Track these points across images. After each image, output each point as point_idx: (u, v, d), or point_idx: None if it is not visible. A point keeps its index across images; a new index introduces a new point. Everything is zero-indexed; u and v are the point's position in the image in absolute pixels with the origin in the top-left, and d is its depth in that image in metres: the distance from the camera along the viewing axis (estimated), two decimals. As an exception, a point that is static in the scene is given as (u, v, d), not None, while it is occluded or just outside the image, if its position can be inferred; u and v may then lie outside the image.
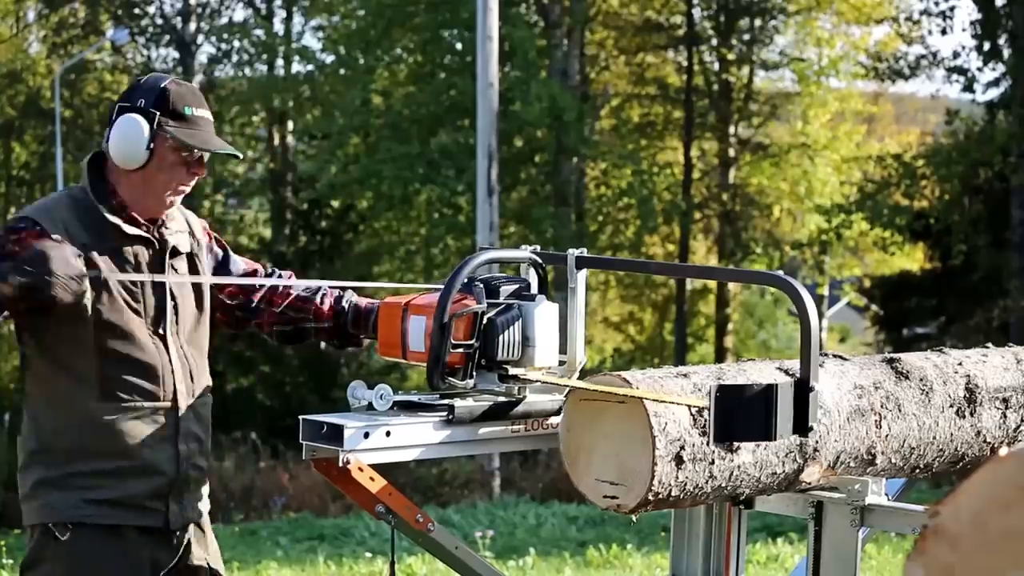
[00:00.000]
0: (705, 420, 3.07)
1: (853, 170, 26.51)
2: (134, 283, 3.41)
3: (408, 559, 8.65)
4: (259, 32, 29.87)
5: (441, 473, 16.43)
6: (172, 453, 3.46)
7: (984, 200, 22.13)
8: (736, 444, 3.12)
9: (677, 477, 3.07)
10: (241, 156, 3.61)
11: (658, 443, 3.02)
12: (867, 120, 31.39)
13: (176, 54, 29.95)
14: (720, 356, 26.22)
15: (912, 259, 27.57)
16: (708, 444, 3.08)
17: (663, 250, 28.65)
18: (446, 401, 3.26)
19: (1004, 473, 1.69)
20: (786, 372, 3.31)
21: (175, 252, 3.53)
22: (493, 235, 16.99)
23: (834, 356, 3.48)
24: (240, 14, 31.57)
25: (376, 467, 3.16)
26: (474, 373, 3.27)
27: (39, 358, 3.44)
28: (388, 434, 3.10)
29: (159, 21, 30.41)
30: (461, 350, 3.24)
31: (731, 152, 27.43)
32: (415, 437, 3.17)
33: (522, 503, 13.51)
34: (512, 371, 3.31)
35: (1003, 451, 1.68)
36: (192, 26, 29.86)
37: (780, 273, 3.16)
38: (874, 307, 25.61)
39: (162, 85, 3.45)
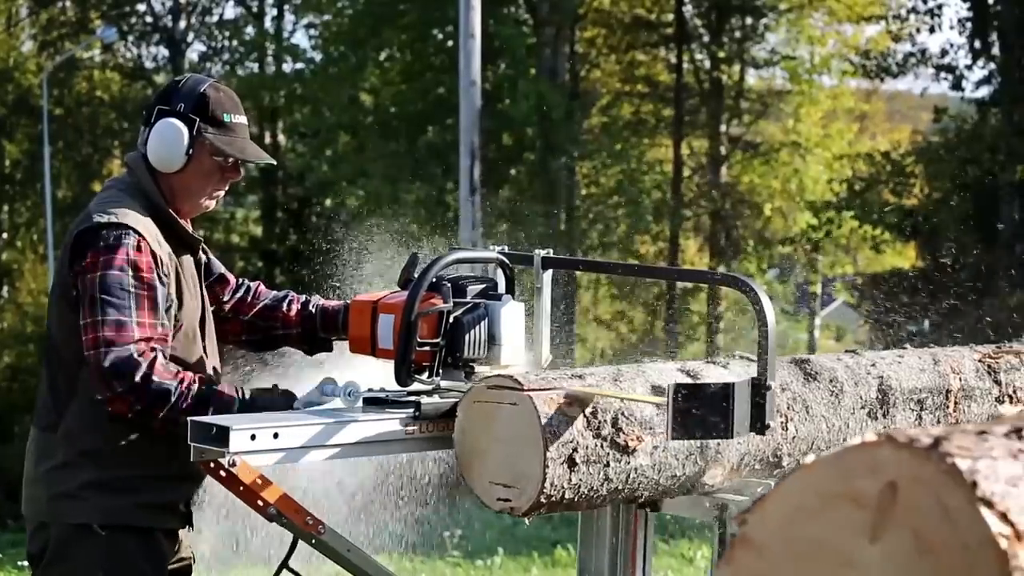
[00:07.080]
0: (600, 422, 3.04)
1: (845, 168, 26.42)
2: (190, 292, 3.45)
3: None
4: (249, 30, 29.88)
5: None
6: None
7: (974, 198, 22.05)
8: (632, 447, 3.08)
9: (570, 479, 3.03)
10: (275, 163, 3.62)
11: (549, 446, 2.98)
12: (859, 118, 31.30)
13: (166, 52, 29.92)
14: (712, 354, 26.08)
15: (904, 257, 27.49)
16: (602, 447, 3.04)
17: (654, 248, 28.56)
18: (413, 398, 3.27)
19: (809, 481, 1.65)
20: (687, 373, 3.27)
21: (201, 255, 3.59)
22: (476, 233, 16.93)
23: (740, 357, 3.44)
24: (230, 12, 31.57)
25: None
26: (440, 371, 3.32)
27: None
28: (276, 436, 3.05)
29: (149, 19, 30.38)
30: (427, 348, 3.29)
31: (722, 150, 27.35)
32: (304, 439, 3.11)
33: (500, 502, 13.43)
34: (478, 369, 3.35)
35: (809, 458, 1.64)
36: (182, 24, 29.83)
37: (738, 275, 3.19)
38: (866, 305, 25.54)
39: (201, 90, 3.47)
